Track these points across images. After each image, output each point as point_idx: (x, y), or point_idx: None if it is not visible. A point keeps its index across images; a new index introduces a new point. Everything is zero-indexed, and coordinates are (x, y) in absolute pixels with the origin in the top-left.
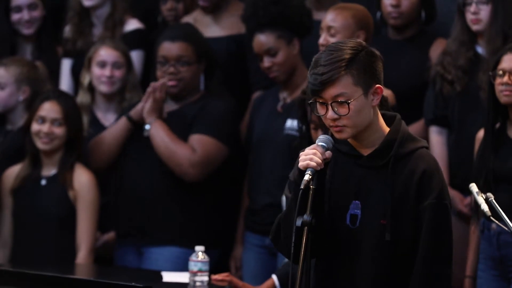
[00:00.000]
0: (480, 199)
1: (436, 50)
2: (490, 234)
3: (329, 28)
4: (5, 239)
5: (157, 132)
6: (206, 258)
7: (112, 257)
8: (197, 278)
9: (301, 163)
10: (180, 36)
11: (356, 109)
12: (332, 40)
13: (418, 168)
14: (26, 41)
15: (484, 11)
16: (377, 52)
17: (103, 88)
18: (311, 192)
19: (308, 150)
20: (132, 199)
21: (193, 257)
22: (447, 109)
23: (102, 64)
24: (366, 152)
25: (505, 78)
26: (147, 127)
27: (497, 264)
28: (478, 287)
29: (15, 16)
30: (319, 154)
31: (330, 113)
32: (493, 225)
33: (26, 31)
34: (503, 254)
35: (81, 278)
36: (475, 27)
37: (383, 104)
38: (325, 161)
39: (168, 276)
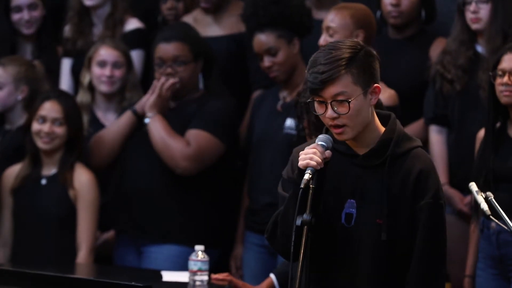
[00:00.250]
0: (480, 198)
1: (436, 49)
2: (490, 233)
3: (328, 28)
4: (5, 239)
5: (155, 125)
6: (206, 258)
7: (111, 256)
8: (197, 278)
9: (301, 162)
10: (175, 36)
11: (355, 108)
12: (331, 40)
13: (414, 167)
14: (26, 41)
15: (484, 10)
16: (374, 52)
17: (103, 88)
18: (311, 191)
19: (308, 150)
20: (131, 196)
21: (193, 257)
22: (447, 108)
23: (102, 64)
24: (362, 151)
25: (505, 79)
26: (146, 120)
27: (497, 263)
28: (477, 286)
29: (15, 16)
30: (319, 154)
31: (330, 112)
32: (493, 224)
33: (26, 31)
34: (502, 253)
35: (81, 277)
36: (474, 26)
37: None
38: (325, 161)
39: (168, 276)
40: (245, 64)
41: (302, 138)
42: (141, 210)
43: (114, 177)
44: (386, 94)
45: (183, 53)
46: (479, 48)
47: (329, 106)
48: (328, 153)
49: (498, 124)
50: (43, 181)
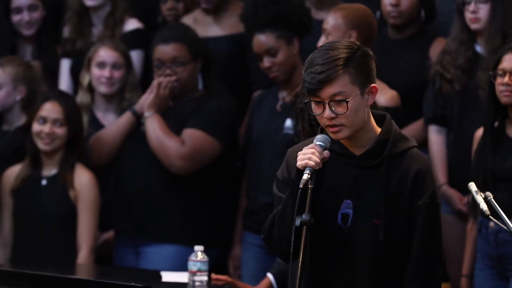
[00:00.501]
0: (479, 198)
1: (436, 49)
2: (488, 233)
3: (324, 30)
4: (6, 239)
5: (152, 124)
6: (206, 258)
7: (111, 256)
8: (196, 278)
9: (300, 162)
10: (173, 37)
11: (353, 108)
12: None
13: (412, 167)
14: (26, 41)
15: (483, 10)
16: (371, 52)
17: (102, 89)
18: (309, 191)
19: (307, 150)
20: (130, 196)
21: (192, 257)
22: (446, 108)
23: (102, 65)
24: (358, 151)
25: (506, 79)
26: (144, 119)
27: (495, 263)
28: (476, 286)
29: (15, 17)
30: (317, 154)
31: (327, 112)
32: (491, 224)
33: (26, 32)
34: (501, 253)
35: (81, 278)
36: (474, 26)
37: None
38: (323, 161)
39: (167, 276)
40: (245, 64)
41: (298, 138)
42: (140, 210)
43: (113, 176)
44: (388, 95)
45: (182, 53)
46: (479, 48)
47: (327, 106)
48: (326, 153)
49: (496, 124)
50: (44, 182)
